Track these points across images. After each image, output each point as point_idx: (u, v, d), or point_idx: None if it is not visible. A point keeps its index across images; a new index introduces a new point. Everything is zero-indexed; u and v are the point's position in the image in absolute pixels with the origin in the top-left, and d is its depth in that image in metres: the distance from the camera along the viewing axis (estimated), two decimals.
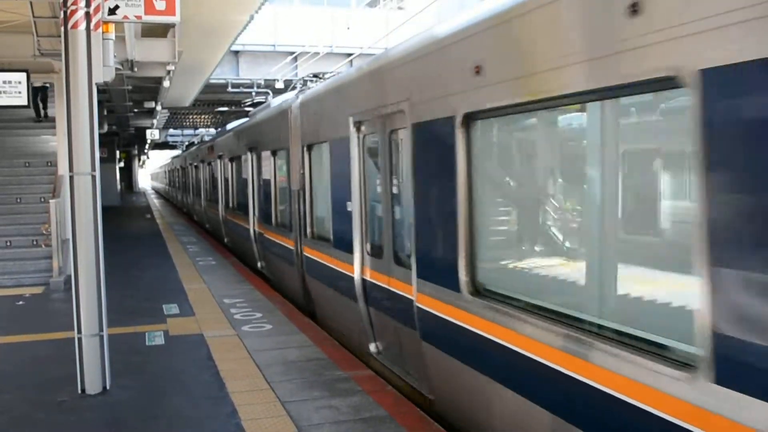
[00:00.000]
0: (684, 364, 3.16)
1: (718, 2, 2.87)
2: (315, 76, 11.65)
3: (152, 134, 37.57)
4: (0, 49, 12.84)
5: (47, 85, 17.08)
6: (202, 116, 45.39)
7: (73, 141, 6.28)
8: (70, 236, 6.44)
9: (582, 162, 4.32)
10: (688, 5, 3.02)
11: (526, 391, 4.33)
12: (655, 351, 3.37)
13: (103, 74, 6.40)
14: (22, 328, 9.28)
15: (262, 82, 25.47)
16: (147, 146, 60.76)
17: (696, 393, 3.05)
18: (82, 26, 6.24)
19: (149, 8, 6.76)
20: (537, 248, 4.77)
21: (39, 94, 17.73)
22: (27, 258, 13.26)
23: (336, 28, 25.02)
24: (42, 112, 18.19)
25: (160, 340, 8.30)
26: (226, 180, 17.43)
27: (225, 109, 33.33)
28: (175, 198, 39.72)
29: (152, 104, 24.42)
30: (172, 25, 12.87)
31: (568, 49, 3.79)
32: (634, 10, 3.28)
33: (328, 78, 10.28)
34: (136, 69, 14.17)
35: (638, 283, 3.78)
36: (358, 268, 7.30)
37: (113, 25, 6.77)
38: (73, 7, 6.22)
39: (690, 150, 3.04)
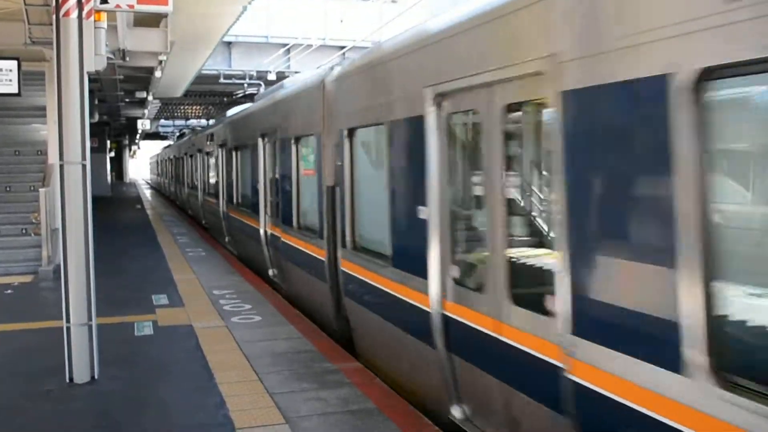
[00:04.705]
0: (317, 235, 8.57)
1: None
2: None
3: (143, 124, 37.39)
4: None
5: None
6: (194, 107, 45.22)
7: (63, 130, 6.27)
8: (59, 225, 6.43)
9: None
10: None
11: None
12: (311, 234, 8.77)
13: (95, 63, 6.38)
14: (10, 316, 9.26)
15: (254, 74, 25.40)
16: (138, 136, 60.56)
17: (313, 242, 8.78)
18: (74, 14, 6.22)
19: None
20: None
21: None
22: (16, 246, 13.22)
23: (329, 20, 24.97)
24: None
25: (148, 330, 8.31)
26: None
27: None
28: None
29: (143, 94, 24.26)
30: (164, 15, 12.83)
31: None
32: None
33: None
34: (127, 58, 14.10)
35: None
36: None
37: (105, 13, 6.76)
38: None
39: None
